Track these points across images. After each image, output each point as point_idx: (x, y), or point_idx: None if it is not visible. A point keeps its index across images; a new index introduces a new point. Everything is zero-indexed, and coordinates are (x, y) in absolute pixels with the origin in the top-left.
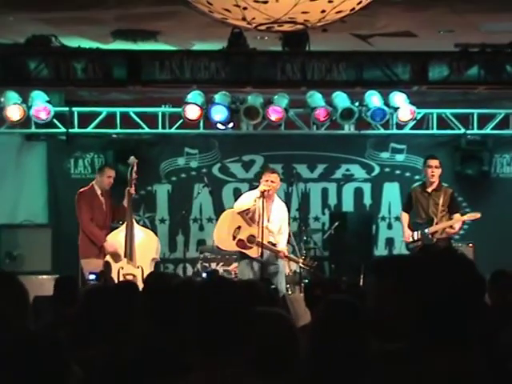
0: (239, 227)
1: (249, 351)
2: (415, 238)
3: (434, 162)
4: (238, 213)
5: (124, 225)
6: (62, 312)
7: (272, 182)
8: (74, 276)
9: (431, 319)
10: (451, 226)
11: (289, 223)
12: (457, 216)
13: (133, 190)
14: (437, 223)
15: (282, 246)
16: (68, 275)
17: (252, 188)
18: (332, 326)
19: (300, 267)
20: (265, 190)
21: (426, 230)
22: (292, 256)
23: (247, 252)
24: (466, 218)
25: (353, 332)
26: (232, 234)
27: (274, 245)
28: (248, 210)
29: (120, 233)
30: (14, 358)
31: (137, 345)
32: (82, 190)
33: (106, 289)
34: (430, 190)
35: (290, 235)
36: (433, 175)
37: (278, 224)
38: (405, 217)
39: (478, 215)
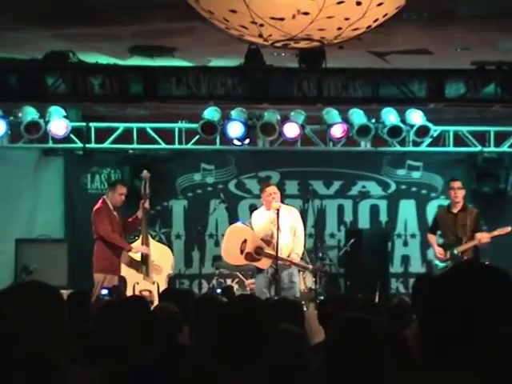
0: (245, 241)
1: (263, 367)
2: (445, 259)
3: (457, 184)
4: (262, 238)
5: (139, 240)
6: (75, 326)
7: (275, 193)
8: (85, 291)
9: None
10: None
11: (305, 227)
12: (478, 234)
13: (147, 204)
14: (466, 242)
15: (297, 252)
16: (80, 290)
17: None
18: (343, 344)
19: (314, 279)
20: (279, 206)
21: (455, 251)
22: (301, 263)
23: (256, 264)
24: (496, 233)
25: (366, 350)
26: (239, 248)
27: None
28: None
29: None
30: None
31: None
32: (97, 207)
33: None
34: (455, 211)
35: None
36: (456, 196)
37: (290, 229)
38: (432, 237)
39: (508, 229)
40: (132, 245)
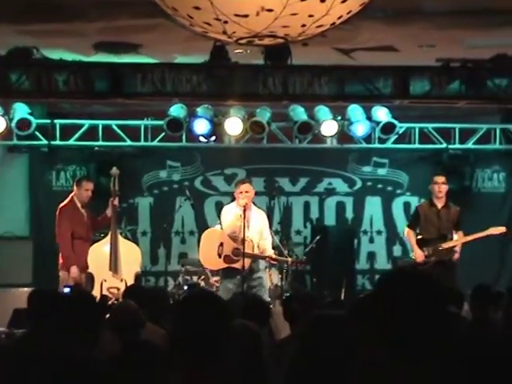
0: (222, 244)
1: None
2: (426, 254)
3: (441, 179)
4: (228, 235)
5: (108, 237)
6: (37, 324)
7: (247, 192)
8: (49, 289)
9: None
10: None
11: (270, 228)
12: (459, 234)
13: (116, 202)
14: (451, 239)
15: (269, 251)
16: (42, 289)
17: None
18: (314, 341)
19: (280, 276)
20: (246, 204)
21: (440, 248)
22: (280, 257)
23: (236, 265)
24: (490, 232)
25: (339, 346)
26: (217, 252)
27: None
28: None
29: (104, 245)
30: None
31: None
32: (62, 204)
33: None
34: (439, 206)
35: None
36: (440, 191)
37: (258, 230)
38: (411, 234)
39: (502, 229)
40: (96, 245)
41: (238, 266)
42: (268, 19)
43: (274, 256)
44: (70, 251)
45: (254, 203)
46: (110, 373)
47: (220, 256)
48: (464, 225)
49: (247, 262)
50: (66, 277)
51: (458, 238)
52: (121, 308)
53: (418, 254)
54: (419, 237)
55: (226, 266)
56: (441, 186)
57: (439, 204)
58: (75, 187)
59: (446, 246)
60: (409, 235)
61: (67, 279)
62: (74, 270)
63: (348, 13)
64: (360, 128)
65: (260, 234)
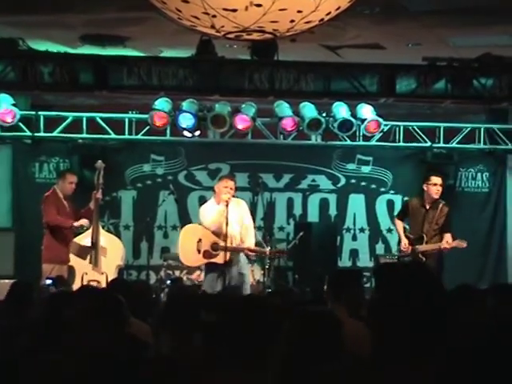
0: (200, 240)
1: None
2: (407, 253)
3: (439, 180)
4: (213, 231)
5: (89, 230)
6: (18, 316)
7: (231, 188)
8: (29, 281)
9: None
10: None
11: (254, 222)
12: (447, 236)
13: (99, 195)
14: (426, 242)
15: (249, 242)
16: (23, 280)
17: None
18: (306, 336)
19: (262, 272)
20: (228, 199)
21: (416, 250)
22: (258, 249)
23: (215, 260)
24: (455, 244)
25: (327, 341)
26: (196, 248)
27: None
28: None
29: (84, 238)
30: None
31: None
32: (47, 193)
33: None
34: (427, 206)
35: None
36: (437, 193)
37: (237, 220)
38: (399, 224)
39: (464, 244)
40: (79, 237)
41: (218, 260)
42: (257, 14)
43: (252, 247)
44: (67, 221)
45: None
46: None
47: (199, 252)
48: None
49: (223, 255)
50: (49, 269)
51: (431, 242)
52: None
53: (403, 243)
54: (410, 235)
55: (205, 261)
56: (439, 188)
57: (428, 204)
58: (59, 179)
59: (421, 248)
60: (397, 224)
61: (50, 271)
62: (83, 221)
63: (337, 9)
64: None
65: (240, 223)
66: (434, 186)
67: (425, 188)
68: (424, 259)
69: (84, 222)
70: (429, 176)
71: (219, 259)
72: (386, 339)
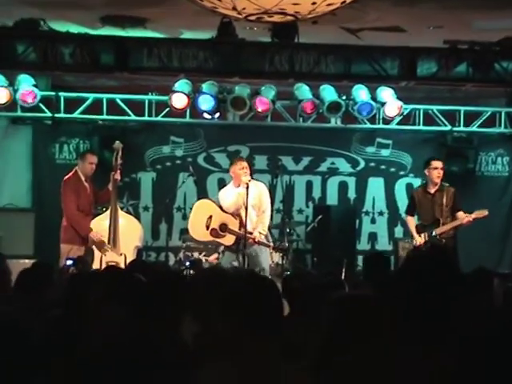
0: (210, 217)
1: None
2: (423, 241)
3: (440, 164)
4: (232, 213)
5: (108, 211)
6: (38, 297)
7: (247, 168)
8: (49, 262)
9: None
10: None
11: (271, 217)
12: (461, 214)
13: (118, 176)
14: (443, 224)
15: (260, 229)
16: (43, 260)
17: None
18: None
19: (281, 255)
20: (249, 181)
21: (434, 233)
22: (263, 241)
23: (220, 241)
24: (474, 215)
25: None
26: (205, 223)
27: (251, 233)
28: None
29: (104, 220)
30: None
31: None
32: (66, 177)
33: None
34: (432, 191)
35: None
36: (439, 177)
37: (256, 205)
38: (411, 221)
39: (485, 212)
40: (98, 218)
41: (223, 241)
42: None
43: (257, 239)
44: (83, 220)
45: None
46: None
47: (207, 228)
48: (467, 208)
49: (233, 238)
50: (67, 250)
51: (448, 223)
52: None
53: (417, 240)
54: (418, 222)
55: (211, 239)
56: (440, 172)
57: (433, 189)
58: (79, 160)
59: (438, 231)
60: (409, 222)
61: (67, 252)
62: (94, 234)
63: None
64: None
65: (257, 208)
66: (435, 169)
67: (426, 173)
68: (443, 241)
69: (97, 238)
70: (429, 160)
71: (226, 240)
72: (398, 327)
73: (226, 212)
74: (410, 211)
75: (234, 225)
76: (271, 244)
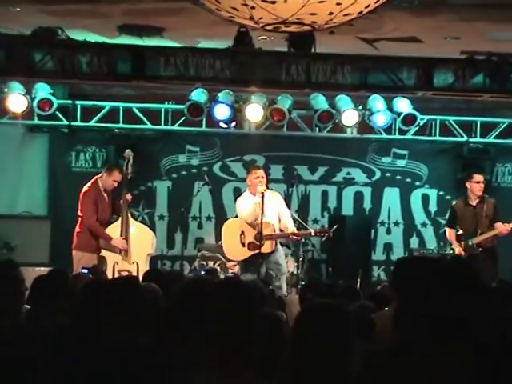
0: (243, 233)
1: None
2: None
3: (482, 178)
4: (250, 223)
5: (119, 221)
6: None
7: (263, 177)
8: (65, 269)
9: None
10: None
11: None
12: (498, 224)
13: (129, 197)
14: (481, 233)
15: (290, 227)
16: (59, 268)
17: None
18: (305, 330)
19: (296, 264)
20: (264, 190)
21: (470, 242)
22: (302, 232)
23: (262, 250)
24: None
25: (330, 335)
26: (240, 242)
27: (282, 231)
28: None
29: (116, 228)
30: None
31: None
32: (86, 187)
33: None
34: (474, 203)
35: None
36: (480, 190)
37: (275, 212)
38: (451, 233)
39: None
40: (110, 227)
41: (264, 250)
42: (296, 6)
43: (296, 231)
44: (103, 233)
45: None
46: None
47: (244, 245)
48: None
49: (270, 244)
50: (79, 256)
51: (486, 232)
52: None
53: (456, 250)
54: (459, 232)
55: (251, 253)
56: (482, 185)
57: (474, 201)
58: (104, 172)
59: (475, 240)
60: (449, 234)
61: (79, 259)
62: (117, 241)
63: (376, 1)
64: (381, 118)
65: (278, 214)
66: (478, 183)
67: (468, 186)
68: (480, 250)
69: (121, 245)
70: (471, 174)
71: (266, 249)
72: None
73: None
74: (451, 224)
75: (267, 230)
76: (311, 230)
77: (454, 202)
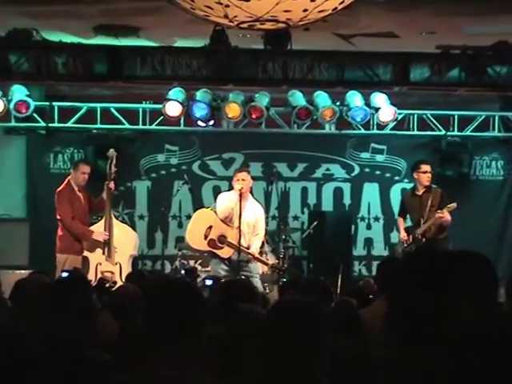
0: (210, 227)
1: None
2: (408, 243)
3: (429, 168)
4: (221, 219)
5: (102, 220)
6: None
7: (243, 180)
8: (46, 272)
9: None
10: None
11: (266, 223)
12: (438, 212)
13: (112, 185)
14: (425, 223)
15: (255, 247)
16: (40, 271)
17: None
18: (276, 327)
19: (277, 261)
20: (242, 188)
21: (416, 234)
22: (261, 258)
23: (217, 252)
24: (446, 210)
25: (303, 333)
26: (204, 233)
27: (247, 248)
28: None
29: (98, 229)
30: None
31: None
32: (59, 188)
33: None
34: (420, 193)
35: (265, 234)
36: (428, 180)
37: (251, 224)
38: (400, 221)
39: (454, 205)
40: (93, 227)
41: (220, 253)
42: (270, 3)
43: (256, 255)
44: (81, 226)
45: (252, 195)
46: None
47: (206, 238)
48: (462, 212)
49: (231, 251)
50: (63, 259)
51: (428, 221)
52: (121, 291)
53: (402, 237)
54: (406, 225)
55: (208, 249)
56: (429, 175)
57: (421, 191)
58: (72, 170)
59: (419, 231)
60: (399, 223)
61: (63, 262)
62: (97, 234)
63: None
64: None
65: (252, 227)
66: (425, 173)
67: (415, 176)
68: (424, 240)
69: (102, 236)
70: (418, 164)
71: (223, 253)
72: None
73: (226, 224)
74: (401, 213)
75: (233, 238)
76: (269, 262)
77: (403, 194)
